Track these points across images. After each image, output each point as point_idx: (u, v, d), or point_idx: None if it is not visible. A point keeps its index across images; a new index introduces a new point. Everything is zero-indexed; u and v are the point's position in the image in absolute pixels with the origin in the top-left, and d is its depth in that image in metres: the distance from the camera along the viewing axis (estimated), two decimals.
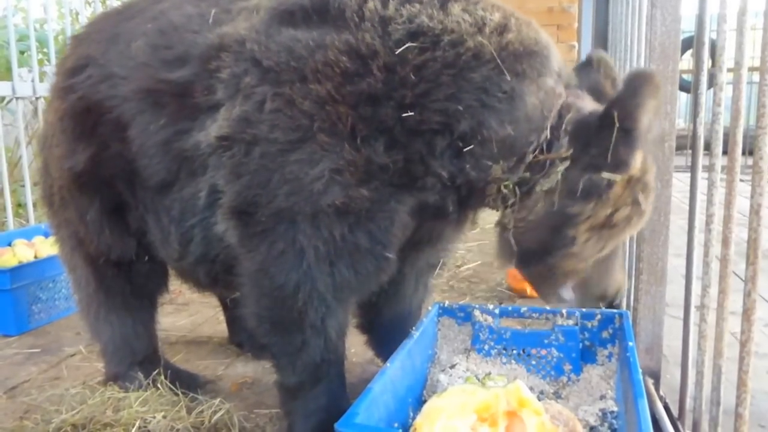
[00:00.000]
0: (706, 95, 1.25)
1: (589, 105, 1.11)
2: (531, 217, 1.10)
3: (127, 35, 1.36)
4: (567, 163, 1.05)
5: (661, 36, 1.25)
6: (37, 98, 2.77)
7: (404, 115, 1.05)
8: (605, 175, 1.04)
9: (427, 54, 1.05)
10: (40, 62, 3.15)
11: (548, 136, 1.06)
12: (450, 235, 1.39)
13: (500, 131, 1.05)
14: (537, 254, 1.15)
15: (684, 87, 5.16)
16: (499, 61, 1.04)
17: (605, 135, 1.02)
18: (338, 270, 1.13)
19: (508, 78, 1.04)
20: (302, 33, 1.12)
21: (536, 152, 1.06)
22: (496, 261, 1.24)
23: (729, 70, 1.11)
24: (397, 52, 1.05)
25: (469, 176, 1.09)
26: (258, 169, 1.12)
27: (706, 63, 1.24)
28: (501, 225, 1.17)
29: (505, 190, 1.09)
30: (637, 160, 1.07)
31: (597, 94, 1.15)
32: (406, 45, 1.05)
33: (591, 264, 1.16)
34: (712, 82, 1.20)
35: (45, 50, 3.35)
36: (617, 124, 1.00)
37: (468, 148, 1.06)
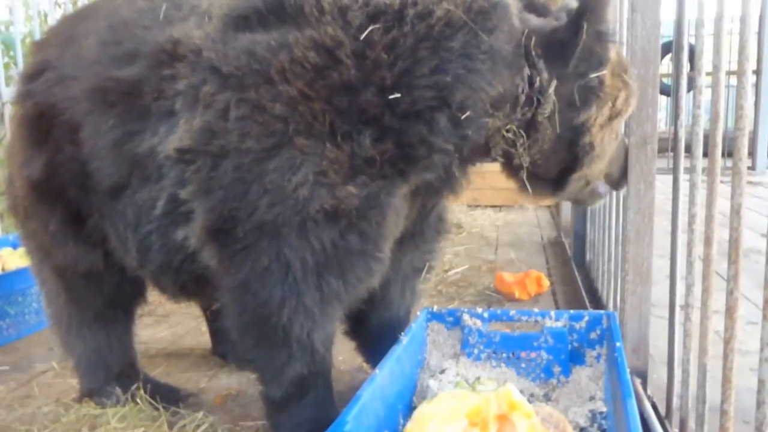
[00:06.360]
0: (686, 98, 1.28)
1: (536, 21, 1.14)
2: (545, 146, 1.15)
3: (82, 36, 1.32)
4: (555, 83, 1.09)
5: (642, 40, 1.27)
6: (3, 103, 2.69)
7: (391, 97, 1.03)
8: (593, 75, 1.11)
9: (394, 32, 1.04)
10: (6, 66, 3.07)
11: (528, 72, 1.09)
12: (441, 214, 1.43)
13: (491, 91, 1.07)
14: (565, 173, 1.20)
15: (664, 91, 5.35)
16: (471, 24, 1.04)
17: (581, 42, 1.08)
18: (326, 282, 1.10)
19: (485, 38, 1.05)
20: (260, 35, 1.08)
21: (525, 90, 1.09)
22: (530, 201, 1.30)
23: (708, 74, 1.14)
24: (362, 38, 1.04)
25: (471, 140, 1.11)
26: (232, 182, 1.08)
27: (685, 67, 1.27)
28: (515, 168, 1.19)
29: (509, 135, 1.12)
30: (613, 52, 1.14)
31: (532, 7, 1.17)
32: (369, 28, 1.04)
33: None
34: (691, 85, 1.23)
35: (11, 53, 3.26)
36: (593, 28, 1.07)
37: (465, 115, 1.06)
